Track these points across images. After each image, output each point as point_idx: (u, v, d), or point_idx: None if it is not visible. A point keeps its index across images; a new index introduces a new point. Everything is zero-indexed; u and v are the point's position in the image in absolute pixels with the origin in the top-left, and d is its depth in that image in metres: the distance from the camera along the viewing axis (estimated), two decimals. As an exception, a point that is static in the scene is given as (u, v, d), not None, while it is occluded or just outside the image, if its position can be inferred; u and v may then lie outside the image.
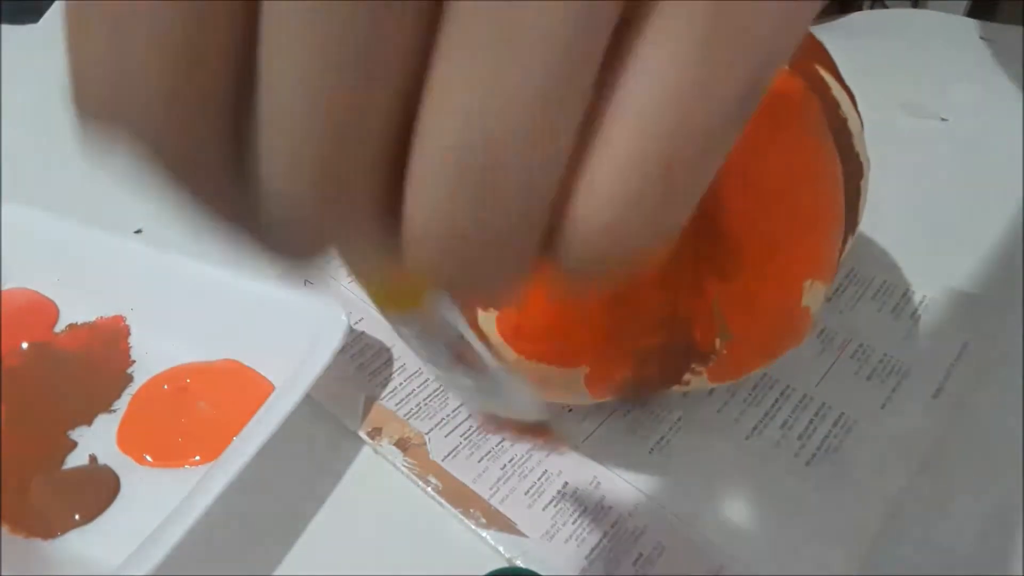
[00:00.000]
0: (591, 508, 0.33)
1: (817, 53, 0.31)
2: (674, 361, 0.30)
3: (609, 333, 0.28)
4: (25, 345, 0.39)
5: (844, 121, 0.30)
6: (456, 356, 0.21)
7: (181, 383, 0.38)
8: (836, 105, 0.30)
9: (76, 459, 0.35)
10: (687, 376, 0.30)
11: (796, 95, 0.28)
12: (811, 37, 0.31)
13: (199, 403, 0.36)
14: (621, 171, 0.10)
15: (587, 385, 0.30)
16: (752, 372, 0.33)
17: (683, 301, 0.27)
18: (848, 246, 0.33)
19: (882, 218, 0.43)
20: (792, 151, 0.28)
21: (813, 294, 0.29)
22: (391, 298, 0.18)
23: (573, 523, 0.32)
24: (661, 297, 0.27)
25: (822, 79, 0.30)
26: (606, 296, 0.27)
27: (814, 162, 0.28)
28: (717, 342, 0.28)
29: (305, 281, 0.43)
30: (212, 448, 0.34)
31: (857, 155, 0.31)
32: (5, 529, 0.32)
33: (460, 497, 0.33)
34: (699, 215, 0.26)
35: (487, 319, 0.29)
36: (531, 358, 0.29)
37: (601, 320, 0.27)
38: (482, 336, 0.29)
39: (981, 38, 0.62)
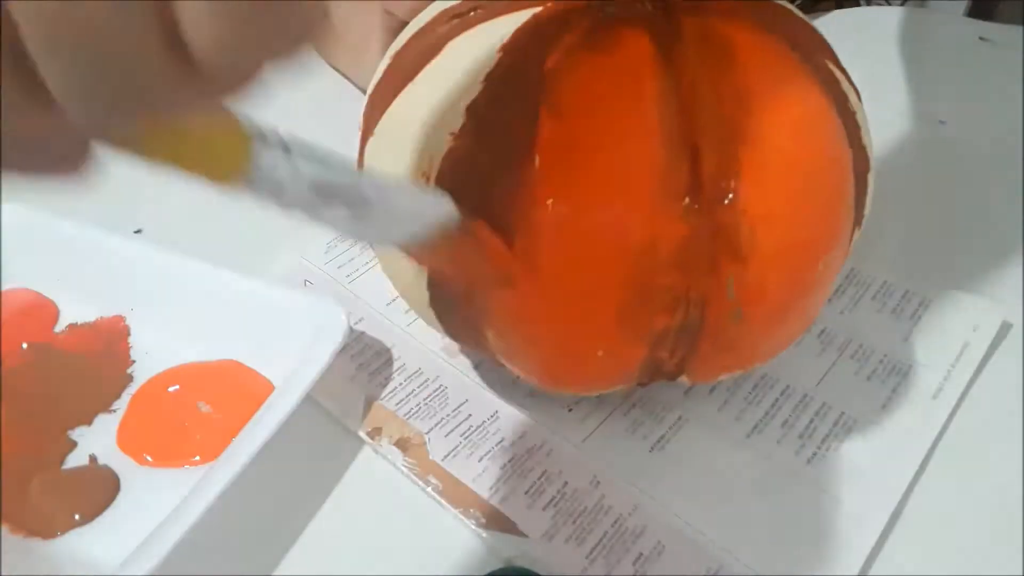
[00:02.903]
0: (591, 508, 0.33)
1: (825, 49, 0.31)
2: (686, 343, 0.29)
3: (624, 315, 0.27)
4: (25, 345, 0.39)
5: (853, 113, 0.30)
6: (323, 192, 0.21)
7: (181, 383, 0.38)
8: (845, 97, 0.30)
9: (76, 459, 0.35)
10: (696, 364, 0.30)
11: (811, 81, 0.28)
12: (818, 34, 0.32)
13: (199, 403, 0.36)
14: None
15: (601, 371, 0.30)
16: (756, 364, 0.33)
17: (696, 281, 0.27)
18: (854, 239, 0.33)
19: (882, 218, 0.43)
20: (807, 132, 0.28)
21: (824, 277, 0.29)
22: (219, 160, 0.19)
23: (573, 523, 0.32)
24: (676, 277, 0.27)
25: (832, 72, 0.30)
26: (621, 277, 0.27)
27: (828, 145, 0.28)
28: (731, 322, 0.28)
29: (305, 281, 0.43)
30: (212, 448, 0.34)
31: (865, 148, 0.31)
32: (5, 529, 0.32)
33: (460, 497, 0.33)
34: (715, 196, 0.26)
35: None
36: (546, 346, 0.29)
37: (616, 301, 0.27)
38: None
39: (981, 38, 0.62)
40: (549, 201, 0.26)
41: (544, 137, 0.26)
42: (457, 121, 0.28)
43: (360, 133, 0.32)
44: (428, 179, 0.28)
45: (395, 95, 0.30)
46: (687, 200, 0.26)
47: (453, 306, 0.31)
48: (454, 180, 0.28)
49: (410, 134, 0.29)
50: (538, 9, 0.29)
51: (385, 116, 0.30)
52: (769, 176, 0.27)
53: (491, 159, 0.27)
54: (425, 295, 0.31)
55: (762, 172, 0.27)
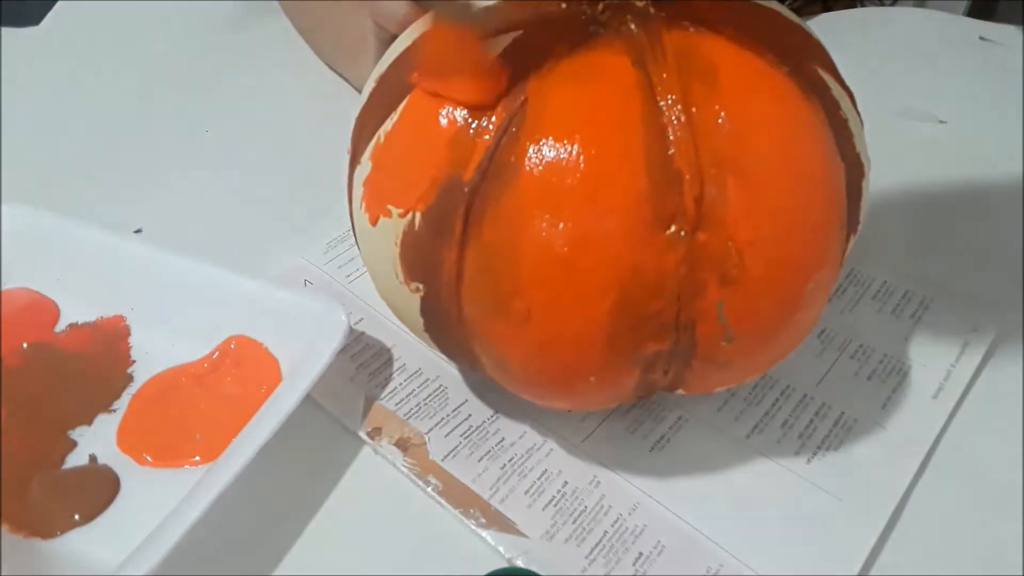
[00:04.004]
0: (591, 508, 0.33)
1: (816, 53, 0.31)
2: (679, 364, 0.29)
3: (614, 343, 0.28)
4: (25, 345, 0.39)
5: (844, 121, 0.30)
6: None
7: (181, 383, 0.37)
8: (836, 105, 0.30)
9: (76, 459, 0.35)
10: (690, 380, 0.30)
11: (797, 97, 0.28)
12: (810, 37, 0.31)
13: (199, 403, 0.36)
14: None
15: (594, 394, 0.30)
16: (751, 378, 0.33)
17: (685, 306, 0.27)
18: (850, 246, 0.33)
19: (882, 218, 0.43)
20: (793, 152, 0.28)
21: (815, 295, 0.29)
22: None
23: (573, 523, 0.32)
24: (665, 304, 0.27)
25: (822, 79, 0.30)
26: (609, 306, 0.27)
27: (815, 163, 0.28)
28: (722, 344, 0.28)
29: (305, 281, 0.43)
30: (212, 448, 0.34)
31: (858, 155, 0.31)
32: (5, 529, 0.32)
33: (460, 497, 0.33)
34: (701, 223, 0.26)
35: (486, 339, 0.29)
36: (539, 372, 0.29)
37: (606, 330, 0.27)
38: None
39: (981, 38, 0.62)
40: (534, 232, 0.26)
41: (527, 169, 0.26)
42: (442, 151, 0.28)
43: (349, 157, 0.32)
44: (413, 212, 0.28)
45: (380, 123, 0.30)
46: (673, 228, 0.26)
47: (446, 333, 0.31)
48: (441, 208, 0.28)
49: (397, 164, 0.29)
50: (517, 35, 0.28)
51: (371, 145, 0.30)
52: (756, 200, 0.27)
53: (475, 190, 0.27)
54: (419, 320, 0.31)
55: (748, 196, 0.26)
